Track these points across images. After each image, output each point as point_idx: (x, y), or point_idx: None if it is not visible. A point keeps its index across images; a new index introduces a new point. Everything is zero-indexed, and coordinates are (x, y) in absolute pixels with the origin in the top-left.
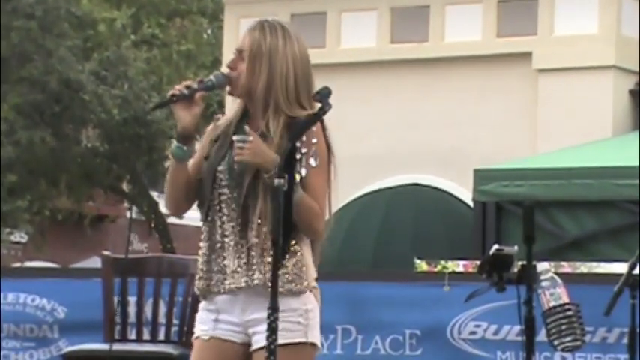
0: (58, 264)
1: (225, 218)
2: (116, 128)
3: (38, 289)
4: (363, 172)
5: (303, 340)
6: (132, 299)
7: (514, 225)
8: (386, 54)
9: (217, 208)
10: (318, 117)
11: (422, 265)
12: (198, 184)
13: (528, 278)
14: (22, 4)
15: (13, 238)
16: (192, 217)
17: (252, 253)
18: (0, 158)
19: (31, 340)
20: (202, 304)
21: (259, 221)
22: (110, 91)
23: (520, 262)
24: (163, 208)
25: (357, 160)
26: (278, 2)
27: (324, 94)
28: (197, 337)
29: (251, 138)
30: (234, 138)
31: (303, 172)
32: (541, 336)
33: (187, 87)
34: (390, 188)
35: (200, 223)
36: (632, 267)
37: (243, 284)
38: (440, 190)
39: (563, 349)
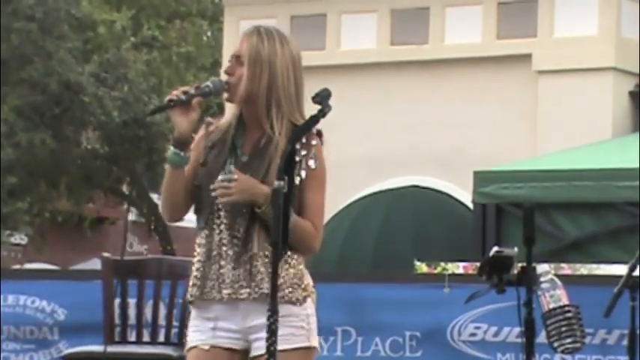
0: (58, 266)
1: (223, 226)
2: (116, 130)
3: (38, 291)
4: (363, 173)
5: (307, 344)
6: (132, 301)
7: (514, 227)
8: (386, 56)
9: (216, 215)
10: (317, 119)
11: (422, 267)
12: (195, 189)
13: (528, 280)
14: (22, 5)
15: (13, 239)
16: (193, 219)
17: (256, 263)
18: (0, 160)
19: (31, 342)
20: (195, 312)
21: (259, 234)
22: (110, 93)
23: (520, 264)
24: None
25: (357, 161)
26: (278, 4)
27: (324, 96)
28: (194, 347)
29: (236, 176)
30: (220, 178)
31: (303, 174)
32: (541, 338)
33: (185, 92)
34: (390, 190)
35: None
36: (632, 269)
37: (244, 296)
38: (440, 191)
39: (563, 351)
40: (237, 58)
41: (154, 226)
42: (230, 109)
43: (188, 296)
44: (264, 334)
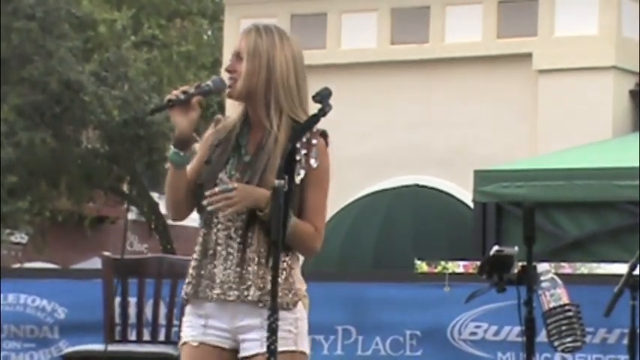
0: (58, 265)
1: (220, 226)
2: (116, 129)
3: (38, 290)
4: (363, 173)
5: (293, 348)
6: (132, 300)
7: (514, 226)
8: (386, 55)
9: (214, 214)
10: (318, 118)
11: (422, 266)
12: (198, 188)
13: (528, 279)
14: (22, 5)
15: (13, 238)
16: (193, 217)
17: (248, 267)
18: (0, 159)
19: (32, 341)
20: (190, 308)
21: (258, 236)
22: (110, 92)
23: (520, 263)
24: (163, 209)
25: (358, 161)
26: (278, 3)
27: (324, 95)
28: (185, 343)
29: (235, 185)
30: (217, 189)
31: (303, 173)
32: (541, 337)
33: (184, 92)
34: (391, 189)
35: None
36: (632, 268)
37: (232, 298)
38: (440, 190)
39: (563, 350)
40: (237, 55)
41: (154, 225)
42: (235, 105)
43: (183, 294)
44: (251, 335)
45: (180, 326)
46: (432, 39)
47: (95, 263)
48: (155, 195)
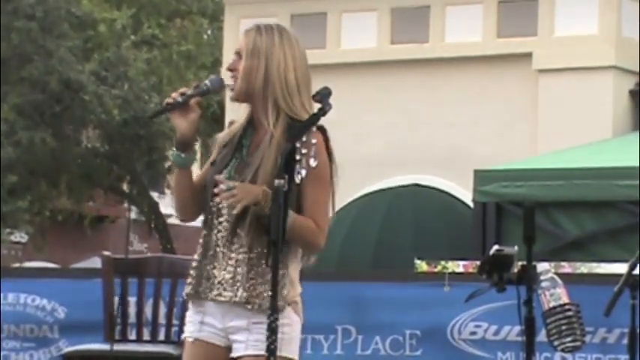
0: (58, 264)
1: (220, 227)
2: (116, 129)
3: (38, 289)
4: (363, 172)
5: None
6: (132, 299)
7: (514, 225)
8: (386, 54)
9: (216, 215)
10: (317, 117)
11: (422, 266)
12: (203, 189)
13: (528, 279)
14: (22, 4)
15: (13, 238)
16: None
17: (239, 270)
18: (0, 158)
19: (31, 340)
20: (191, 305)
21: (248, 237)
22: (110, 91)
23: (520, 263)
24: (163, 209)
25: (358, 160)
26: (278, 3)
27: (324, 95)
28: (185, 339)
29: (235, 183)
30: (220, 188)
31: (304, 172)
32: (541, 336)
33: (182, 94)
34: (391, 189)
35: (200, 224)
36: (632, 267)
37: (224, 299)
38: (440, 190)
39: (563, 350)
40: (238, 54)
41: (154, 225)
42: (234, 104)
43: (184, 294)
44: (238, 337)
45: (180, 326)
46: (432, 39)
47: (95, 263)
48: (155, 194)
